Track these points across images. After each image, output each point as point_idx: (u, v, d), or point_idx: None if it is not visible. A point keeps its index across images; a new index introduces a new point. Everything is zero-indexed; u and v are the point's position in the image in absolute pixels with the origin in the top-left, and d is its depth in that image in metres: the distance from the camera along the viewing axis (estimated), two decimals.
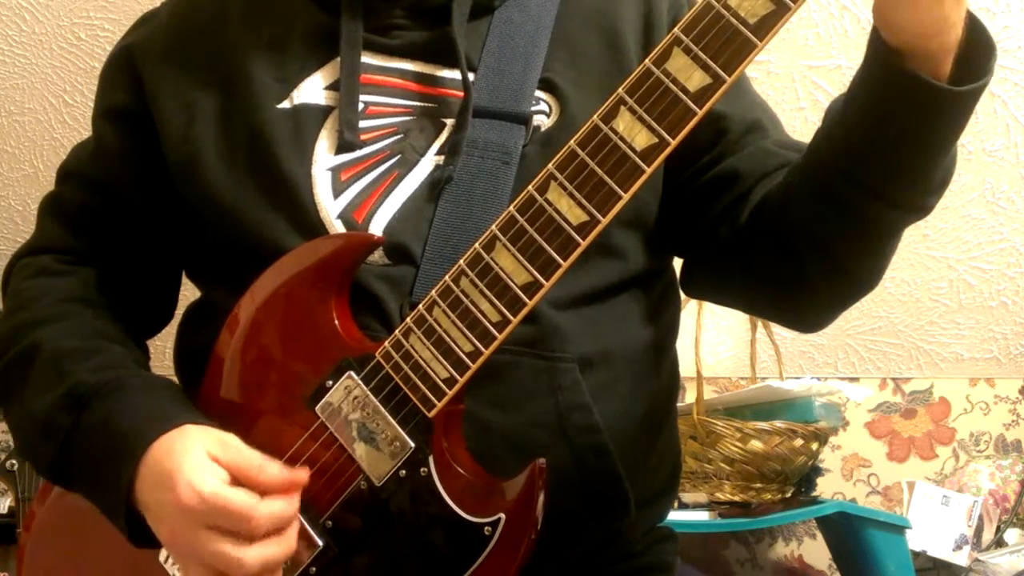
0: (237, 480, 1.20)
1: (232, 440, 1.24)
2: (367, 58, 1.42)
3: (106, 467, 1.27)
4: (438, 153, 1.38)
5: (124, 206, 1.52)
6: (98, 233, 1.53)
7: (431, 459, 1.23)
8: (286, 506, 1.20)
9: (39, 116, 3.11)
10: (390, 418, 1.24)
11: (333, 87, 1.41)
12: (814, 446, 2.61)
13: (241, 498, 1.17)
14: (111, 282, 1.52)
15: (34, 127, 3.12)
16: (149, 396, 1.32)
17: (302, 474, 1.23)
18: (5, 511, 3.10)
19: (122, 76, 1.53)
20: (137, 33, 1.57)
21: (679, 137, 1.14)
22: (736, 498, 2.58)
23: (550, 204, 1.18)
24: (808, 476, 2.75)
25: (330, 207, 1.35)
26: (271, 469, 1.20)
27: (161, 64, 1.49)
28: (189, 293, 1.57)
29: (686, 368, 2.61)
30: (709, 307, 2.81)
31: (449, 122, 1.39)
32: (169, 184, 1.47)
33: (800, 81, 2.90)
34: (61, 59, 3.02)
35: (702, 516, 2.56)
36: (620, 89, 1.16)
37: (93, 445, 1.29)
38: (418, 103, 1.41)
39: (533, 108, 1.38)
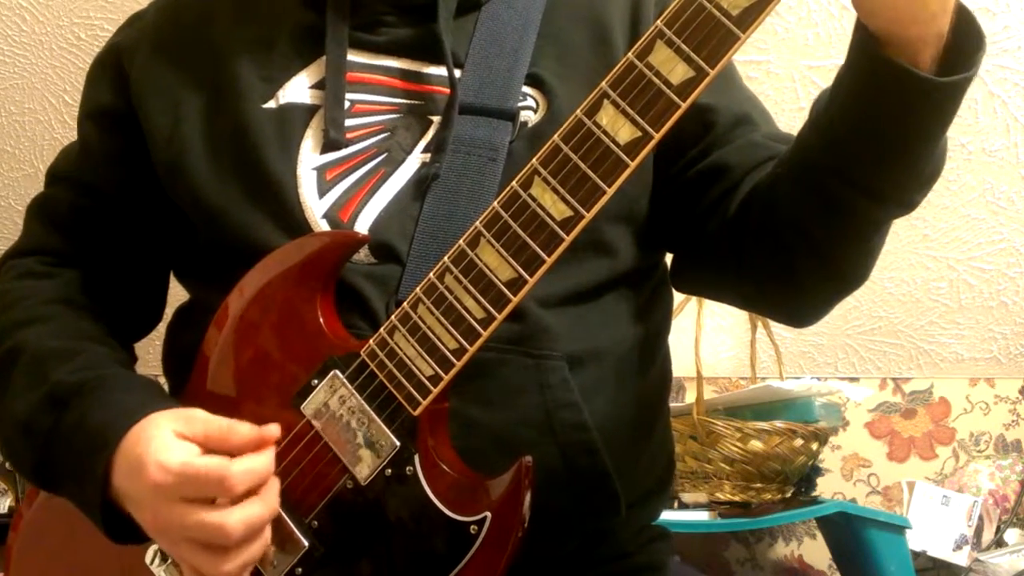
0: (208, 448, 1.20)
1: (197, 413, 1.24)
2: (353, 56, 1.41)
3: (82, 464, 1.26)
4: (424, 151, 1.37)
5: (110, 207, 1.52)
6: (84, 234, 1.53)
7: (417, 458, 1.23)
8: (260, 461, 1.19)
9: (39, 116, 3.11)
10: (375, 417, 1.24)
11: (319, 86, 1.41)
12: (814, 446, 2.61)
13: (212, 462, 1.17)
14: (97, 283, 1.52)
15: (34, 127, 3.12)
16: (123, 393, 1.32)
17: (273, 428, 1.22)
18: (5, 511, 3.10)
19: (108, 76, 1.54)
20: (124, 33, 1.57)
21: (663, 130, 1.13)
22: (736, 498, 2.57)
23: (534, 199, 1.17)
24: (808, 476, 2.74)
25: (315, 206, 1.34)
26: (240, 429, 1.20)
27: (147, 63, 1.49)
28: (179, 295, 1.57)
29: (686, 368, 2.62)
30: (709, 307, 2.81)
31: (436, 119, 1.39)
32: (155, 184, 1.47)
33: (800, 81, 2.89)
34: (61, 59, 3.02)
35: (702, 516, 2.56)
36: (603, 83, 1.15)
37: (71, 444, 1.29)
38: (404, 100, 1.41)
39: (520, 104, 1.38)
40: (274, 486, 1.22)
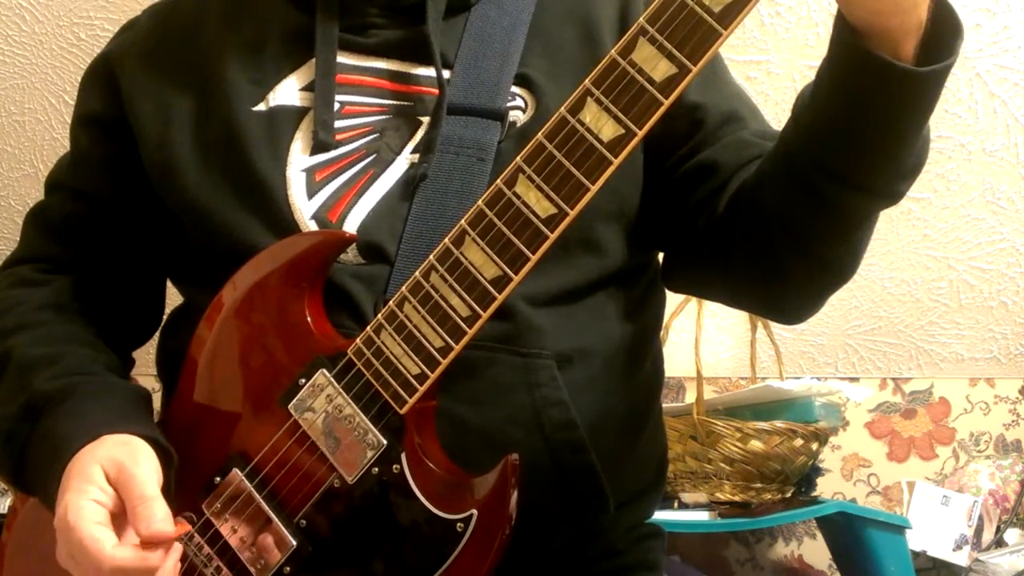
0: (116, 512, 1.20)
1: (135, 467, 1.22)
2: (342, 58, 1.42)
3: (47, 473, 1.28)
4: (413, 151, 1.38)
5: (104, 213, 1.53)
6: (79, 241, 1.54)
7: (403, 456, 1.23)
8: (139, 559, 1.17)
9: (39, 116, 3.11)
10: (362, 415, 1.24)
11: (309, 88, 1.42)
12: (814, 446, 2.60)
13: (96, 536, 1.16)
14: (92, 289, 1.53)
15: (34, 127, 3.13)
16: (95, 402, 1.33)
17: (171, 530, 1.18)
18: (5, 511, 3.10)
19: (99, 83, 1.55)
20: (116, 41, 1.58)
21: (646, 128, 1.13)
22: (736, 498, 2.57)
23: (518, 197, 1.17)
24: (808, 476, 2.74)
25: (304, 208, 1.35)
26: (145, 512, 1.18)
27: (138, 69, 1.49)
28: (174, 299, 1.57)
29: (686, 368, 2.62)
30: (709, 307, 2.81)
31: (425, 120, 1.39)
32: (148, 189, 1.47)
33: (800, 81, 2.89)
34: (61, 59, 3.02)
35: (702, 516, 2.56)
36: (587, 80, 1.15)
37: (40, 453, 1.31)
38: (393, 102, 1.41)
39: (509, 104, 1.38)
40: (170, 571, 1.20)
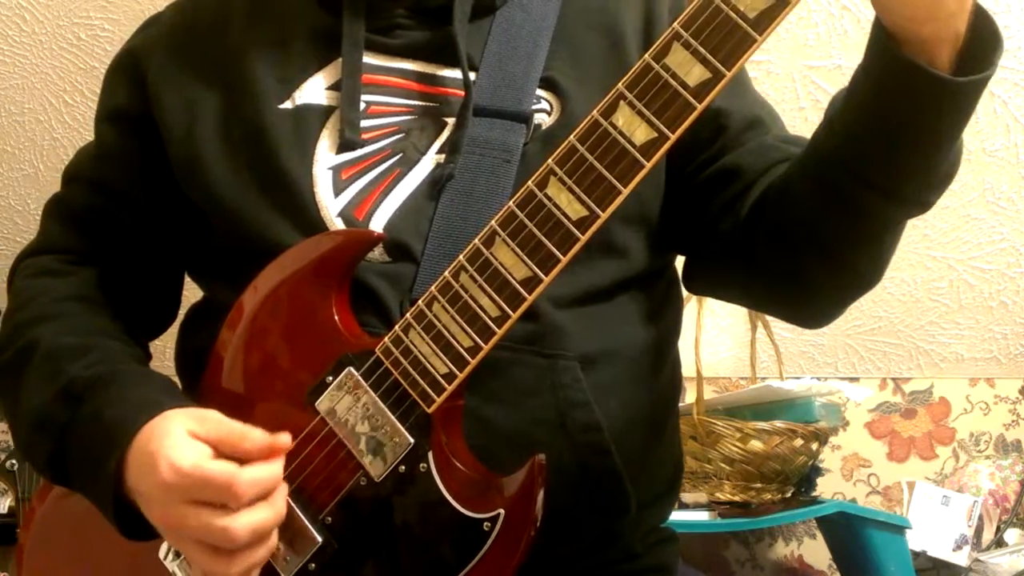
0: (220, 452, 1.20)
1: (211, 415, 1.24)
2: (369, 58, 1.42)
3: (96, 459, 1.27)
4: (439, 152, 1.38)
5: (126, 207, 1.53)
6: (100, 234, 1.54)
7: (430, 455, 1.23)
8: (270, 470, 1.19)
9: (39, 116, 3.11)
10: (389, 414, 1.24)
11: (335, 87, 1.42)
12: (814, 446, 2.61)
13: (221, 467, 1.17)
14: (112, 282, 1.53)
15: (34, 127, 3.12)
16: (138, 388, 1.32)
17: (284, 437, 1.21)
18: (5, 511, 3.10)
19: (125, 78, 1.54)
20: (140, 36, 1.58)
21: (679, 131, 1.14)
22: (736, 498, 2.58)
23: (550, 199, 1.18)
24: (808, 476, 2.75)
25: (331, 205, 1.35)
26: (253, 435, 1.20)
27: (164, 65, 1.49)
28: (191, 295, 1.57)
29: (686, 368, 2.60)
30: (709, 307, 2.82)
31: (450, 121, 1.40)
32: (172, 184, 1.47)
33: (800, 81, 2.90)
34: (61, 59, 3.02)
35: (702, 516, 2.56)
36: (620, 84, 1.16)
37: (85, 438, 1.30)
38: (419, 102, 1.42)
39: (534, 107, 1.38)
40: (282, 493, 1.22)
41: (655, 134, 1.14)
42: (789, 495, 2.66)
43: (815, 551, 3.16)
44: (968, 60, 1.12)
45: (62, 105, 3.08)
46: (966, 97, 1.13)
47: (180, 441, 1.20)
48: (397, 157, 1.38)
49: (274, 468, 1.20)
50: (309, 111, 1.41)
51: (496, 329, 1.20)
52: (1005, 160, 2.98)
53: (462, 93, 1.38)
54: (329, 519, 1.27)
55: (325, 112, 1.41)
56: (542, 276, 1.18)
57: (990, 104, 2.90)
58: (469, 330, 1.21)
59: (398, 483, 1.24)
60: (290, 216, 1.36)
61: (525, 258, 1.19)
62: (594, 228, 1.17)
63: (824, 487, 3.06)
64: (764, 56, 2.88)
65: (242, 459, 1.19)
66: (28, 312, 1.46)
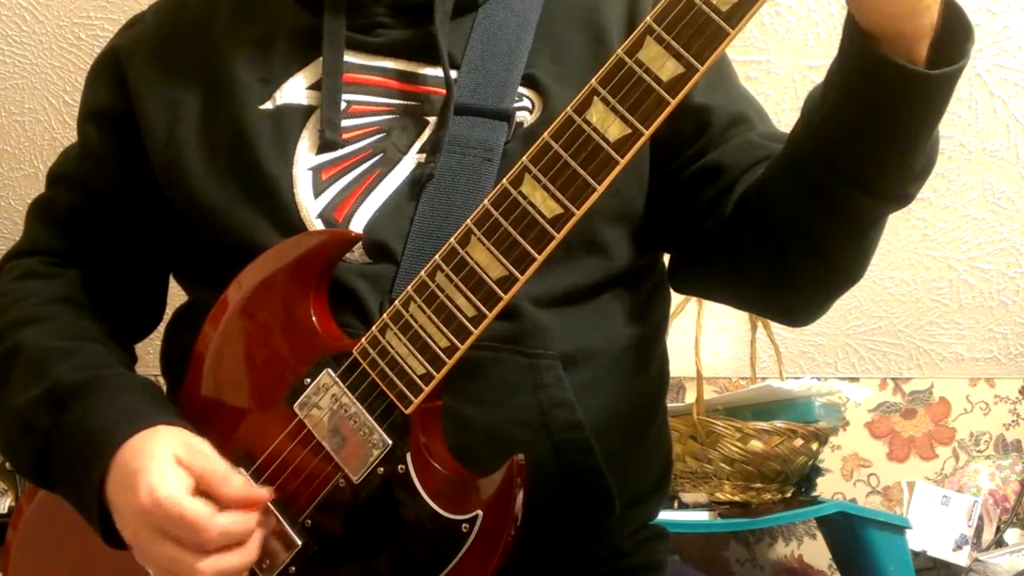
0: (200, 487, 1.20)
1: (201, 446, 1.24)
2: (350, 57, 1.42)
3: (80, 466, 1.27)
4: (420, 151, 1.38)
5: (110, 207, 1.53)
6: (85, 235, 1.54)
7: (409, 456, 1.23)
8: (242, 522, 1.20)
9: (39, 116, 3.11)
10: (367, 415, 1.24)
11: (316, 87, 1.42)
12: (814, 446, 2.60)
13: (197, 508, 1.17)
14: (97, 284, 1.53)
15: (34, 127, 3.13)
16: (125, 395, 1.33)
17: (263, 492, 1.23)
18: (5, 511, 3.10)
19: (107, 77, 1.54)
20: (123, 35, 1.57)
21: (652, 127, 1.12)
22: (736, 498, 2.57)
23: (524, 197, 1.17)
24: (808, 476, 2.74)
25: (310, 207, 1.34)
26: (234, 481, 1.21)
27: (146, 65, 1.49)
28: (177, 298, 1.57)
29: (686, 368, 2.62)
30: (709, 307, 2.81)
31: (432, 120, 1.39)
32: (154, 185, 1.47)
33: (800, 81, 2.89)
34: (61, 59, 3.02)
35: (702, 516, 2.56)
36: (593, 80, 1.15)
37: (70, 444, 1.30)
38: (401, 101, 1.41)
39: (516, 104, 1.38)
40: (254, 542, 1.22)
41: (629, 130, 1.13)
42: (789, 495, 2.65)
43: (815, 551, 3.15)
44: (942, 52, 1.11)
45: (62, 105, 3.09)
46: (943, 89, 1.12)
47: (164, 465, 1.20)
48: (378, 157, 1.37)
49: (248, 520, 1.21)
50: (289, 111, 1.40)
51: (472, 329, 1.19)
52: (1005, 160, 2.97)
53: (444, 92, 1.38)
54: (309, 522, 1.27)
55: (306, 112, 1.40)
56: (518, 275, 1.17)
57: (990, 104, 2.89)
58: (446, 330, 1.20)
59: (377, 485, 1.24)
60: (270, 217, 1.35)
61: (500, 257, 1.18)
62: (569, 226, 1.16)
63: (824, 487, 3.05)
64: (764, 56, 2.88)
65: (219, 502, 1.19)
66: (13, 315, 1.46)
